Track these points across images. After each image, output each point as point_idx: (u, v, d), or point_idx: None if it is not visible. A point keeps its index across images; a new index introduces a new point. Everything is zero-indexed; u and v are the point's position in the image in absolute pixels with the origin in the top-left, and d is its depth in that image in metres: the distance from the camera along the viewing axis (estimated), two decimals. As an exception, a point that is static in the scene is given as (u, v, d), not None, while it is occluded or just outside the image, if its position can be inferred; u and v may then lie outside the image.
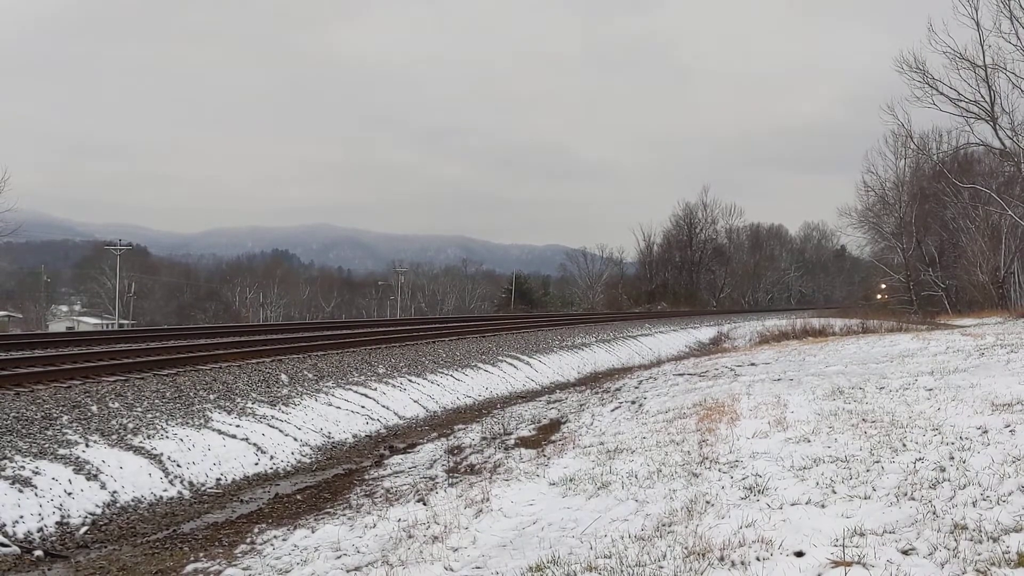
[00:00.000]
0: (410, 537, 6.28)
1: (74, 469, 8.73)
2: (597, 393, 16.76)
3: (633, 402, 13.29)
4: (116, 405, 11.23)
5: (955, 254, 52.07)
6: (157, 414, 11.23)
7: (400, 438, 13.24)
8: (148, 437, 10.23)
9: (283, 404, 13.26)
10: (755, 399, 10.55)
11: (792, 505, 5.38)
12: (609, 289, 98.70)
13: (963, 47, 37.17)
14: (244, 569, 6.33)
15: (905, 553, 4.26)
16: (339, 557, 6.19)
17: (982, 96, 37.04)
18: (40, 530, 7.59)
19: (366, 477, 10.25)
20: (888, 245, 60.66)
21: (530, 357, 24.30)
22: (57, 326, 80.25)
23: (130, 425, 10.50)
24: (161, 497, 9.08)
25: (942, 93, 37.86)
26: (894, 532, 4.62)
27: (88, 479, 8.67)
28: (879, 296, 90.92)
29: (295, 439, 11.99)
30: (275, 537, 7.28)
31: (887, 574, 3.99)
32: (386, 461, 11.22)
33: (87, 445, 9.44)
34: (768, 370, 15.30)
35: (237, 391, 13.38)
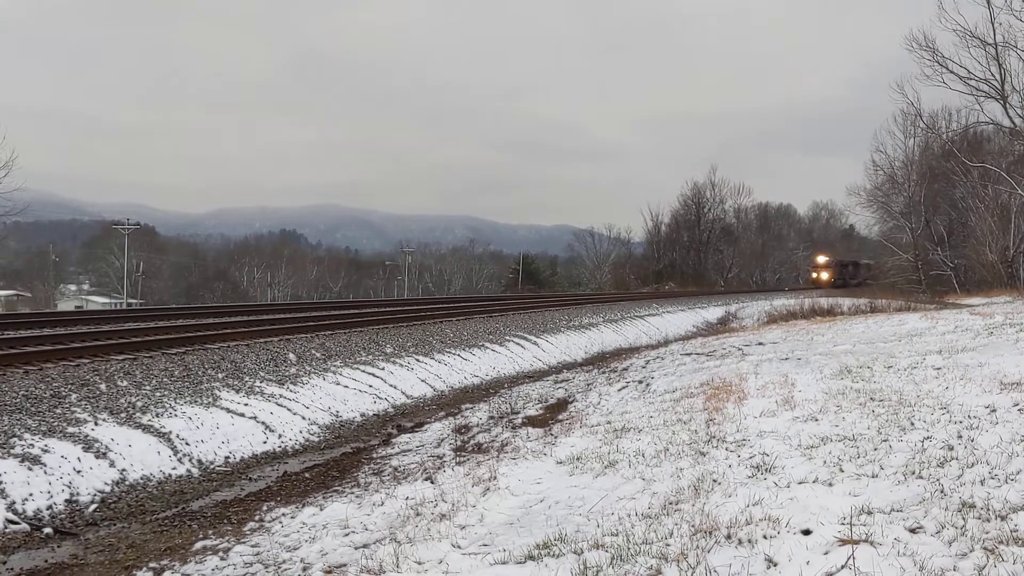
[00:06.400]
0: (418, 515, 6.30)
1: (83, 447, 8.76)
2: (604, 373, 16.77)
3: (640, 382, 13.29)
4: (125, 383, 11.27)
5: (964, 233, 51.73)
6: (166, 392, 11.27)
7: (407, 417, 13.27)
8: (157, 415, 10.26)
9: (291, 383, 13.30)
10: (763, 378, 10.54)
11: (799, 483, 5.38)
12: (617, 269, 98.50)
13: (973, 25, 36.95)
14: (253, 546, 6.36)
15: (913, 531, 4.26)
16: (347, 535, 6.22)
17: (992, 74, 36.83)
18: (49, 508, 7.63)
19: (374, 456, 10.28)
20: (897, 224, 60.29)
21: (537, 337, 24.30)
22: (66, 305, 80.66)
23: (139, 403, 10.54)
24: (170, 475, 9.12)
25: (952, 71, 37.64)
26: (902, 510, 4.61)
27: (97, 457, 8.71)
28: (814, 275, 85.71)
29: (303, 418, 12.02)
30: (284, 515, 7.31)
31: (895, 552, 3.98)
32: (394, 440, 11.25)
33: (96, 423, 9.48)
34: (776, 350, 15.29)
35: (245, 370, 13.41)
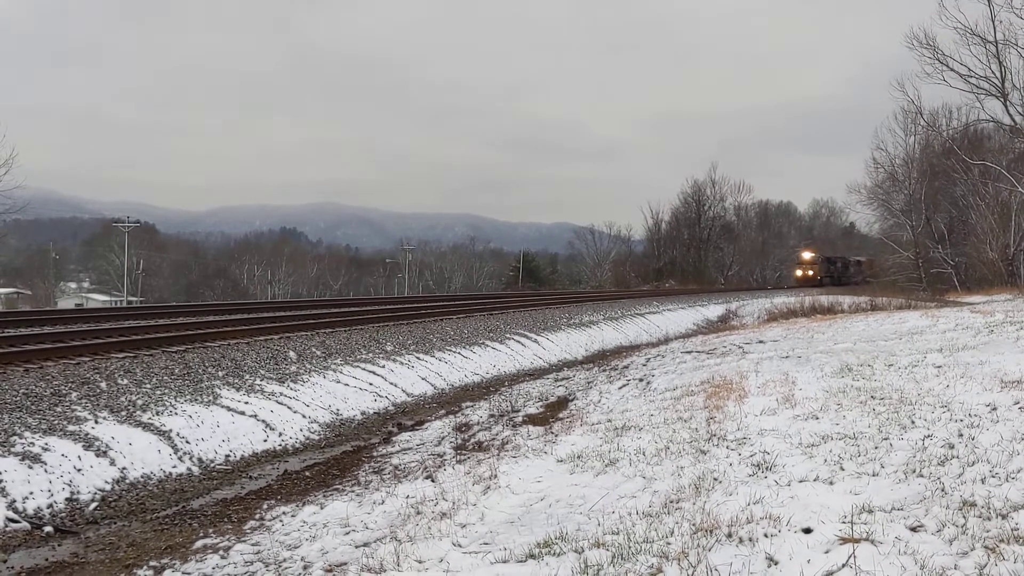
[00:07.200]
0: (418, 513, 6.30)
1: (83, 445, 8.76)
2: (605, 371, 16.76)
3: (641, 379, 13.29)
4: (125, 382, 11.27)
5: (964, 231, 51.67)
6: (166, 391, 11.27)
7: (408, 415, 13.27)
8: (157, 414, 10.26)
9: (291, 381, 13.30)
10: (763, 376, 10.53)
11: (800, 482, 5.38)
12: (617, 267, 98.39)
13: (974, 22, 36.96)
14: (253, 545, 6.36)
15: (913, 530, 4.26)
16: (348, 533, 6.22)
17: (992, 72, 36.85)
18: (50, 506, 7.64)
19: (374, 454, 10.28)
20: (897, 222, 60.21)
21: (538, 335, 24.30)
22: (66, 303, 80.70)
23: (139, 401, 10.54)
24: (170, 473, 9.12)
25: (952, 69, 37.66)
26: (902, 509, 4.61)
27: (97, 455, 8.71)
28: (799, 272, 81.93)
29: (304, 416, 12.02)
30: (284, 513, 7.31)
31: (895, 551, 3.98)
32: (394, 438, 11.25)
33: (96, 421, 9.48)
34: (776, 347, 15.28)
35: (246, 368, 13.41)
